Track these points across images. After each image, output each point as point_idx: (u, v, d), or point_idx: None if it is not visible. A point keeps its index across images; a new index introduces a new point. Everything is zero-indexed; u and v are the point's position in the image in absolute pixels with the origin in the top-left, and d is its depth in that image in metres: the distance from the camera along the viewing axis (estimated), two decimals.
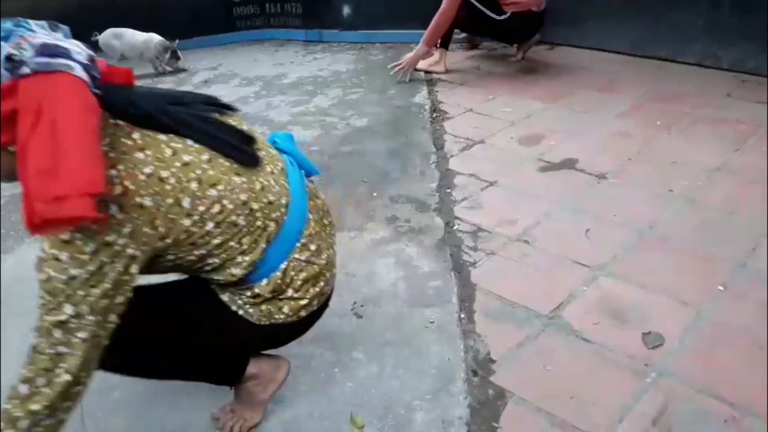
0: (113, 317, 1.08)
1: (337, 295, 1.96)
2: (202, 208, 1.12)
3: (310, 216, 1.34)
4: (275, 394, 1.54)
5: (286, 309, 1.30)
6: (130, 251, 1.05)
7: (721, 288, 1.90)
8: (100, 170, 0.96)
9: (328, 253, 1.38)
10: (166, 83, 4.16)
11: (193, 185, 1.11)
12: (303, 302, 1.31)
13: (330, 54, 4.65)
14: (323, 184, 2.65)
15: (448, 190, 2.57)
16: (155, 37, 4.29)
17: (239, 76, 4.24)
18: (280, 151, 1.40)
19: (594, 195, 2.48)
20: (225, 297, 1.29)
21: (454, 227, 2.31)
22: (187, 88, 4.04)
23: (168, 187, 1.08)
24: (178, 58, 4.33)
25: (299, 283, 1.30)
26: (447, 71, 3.92)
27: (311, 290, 1.32)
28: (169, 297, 1.32)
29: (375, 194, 2.57)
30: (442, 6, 3.60)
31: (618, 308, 1.84)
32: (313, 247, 1.32)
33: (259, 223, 1.21)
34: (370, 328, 1.84)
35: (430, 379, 1.64)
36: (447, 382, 1.62)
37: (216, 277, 1.24)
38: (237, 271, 1.22)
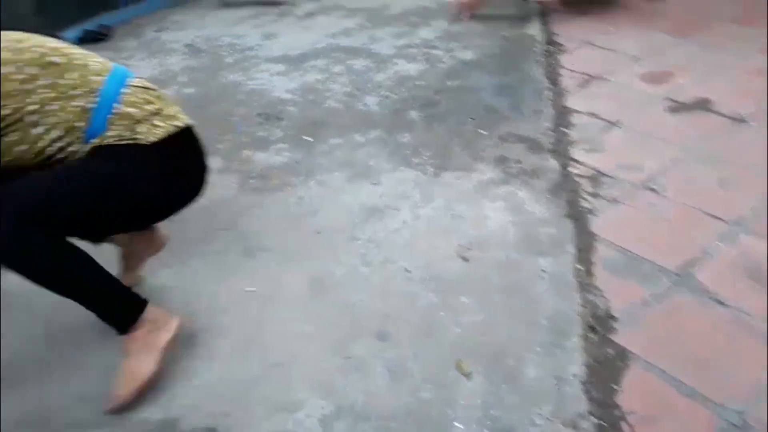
0: None
1: (442, 236, 1.91)
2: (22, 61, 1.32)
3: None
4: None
5: (159, 122, 1.44)
6: None
7: None
8: None
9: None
10: (269, 15, 4.11)
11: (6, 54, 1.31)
12: (170, 111, 1.48)
13: None
14: (428, 122, 2.56)
15: (564, 130, 2.38)
16: None
17: (344, 7, 4.10)
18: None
19: (731, 140, 2.21)
20: (111, 133, 1.39)
21: (571, 170, 2.14)
22: (289, 20, 3.98)
23: None
24: None
25: (156, 95, 1.49)
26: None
27: (173, 107, 1.51)
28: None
29: (483, 132, 2.43)
30: None
31: (759, 269, 1.64)
32: (148, 83, 1.52)
33: (78, 61, 1.39)
34: (477, 272, 1.75)
35: (542, 331, 1.54)
36: (561, 337, 1.52)
37: (69, 139, 1.37)
38: (81, 104, 1.36)
